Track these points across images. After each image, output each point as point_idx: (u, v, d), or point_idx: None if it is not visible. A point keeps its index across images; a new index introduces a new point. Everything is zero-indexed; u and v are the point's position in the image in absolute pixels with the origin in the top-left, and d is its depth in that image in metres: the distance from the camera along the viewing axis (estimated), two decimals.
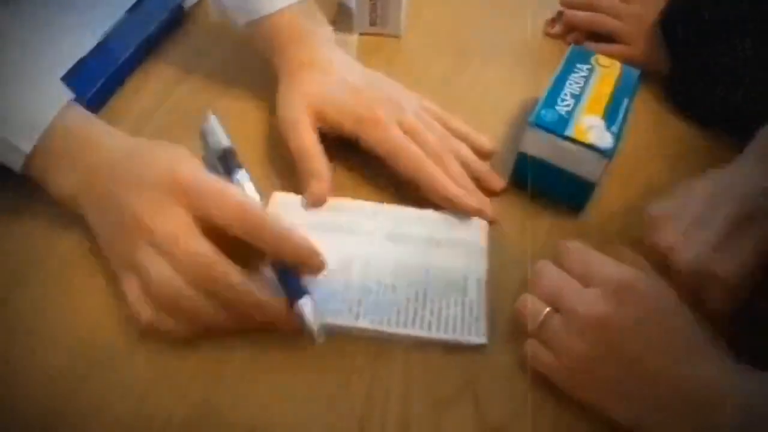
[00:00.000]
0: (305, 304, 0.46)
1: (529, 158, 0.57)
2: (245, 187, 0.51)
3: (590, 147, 0.53)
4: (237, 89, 0.69)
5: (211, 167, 0.52)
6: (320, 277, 0.49)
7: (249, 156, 0.59)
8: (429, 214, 0.57)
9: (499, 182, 0.60)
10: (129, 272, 0.48)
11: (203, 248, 0.46)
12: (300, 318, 0.45)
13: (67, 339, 0.49)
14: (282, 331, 0.48)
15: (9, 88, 0.52)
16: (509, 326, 0.51)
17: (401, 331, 0.49)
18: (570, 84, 0.58)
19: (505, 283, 0.53)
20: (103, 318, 0.50)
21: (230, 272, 0.46)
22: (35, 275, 0.52)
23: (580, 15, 0.77)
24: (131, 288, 0.48)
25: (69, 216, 0.53)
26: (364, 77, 0.62)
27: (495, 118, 0.67)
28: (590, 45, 0.74)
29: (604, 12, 0.75)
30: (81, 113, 0.54)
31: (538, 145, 0.56)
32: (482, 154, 0.62)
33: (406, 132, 0.58)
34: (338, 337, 0.49)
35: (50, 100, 0.53)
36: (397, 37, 0.76)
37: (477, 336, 0.49)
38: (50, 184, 0.52)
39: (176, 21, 0.77)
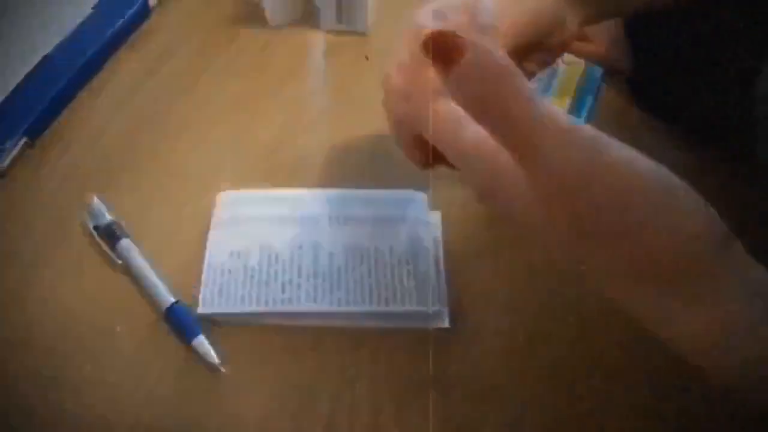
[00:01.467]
0: (201, 342, 0.48)
1: None
2: (132, 255, 0.53)
3: None
4: (201, 88, 0.69)
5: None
6: (270, 267, 0.51)
7: (205, 155, 0.61)
8: (371, 193, 0.58)
9: None
10: None
11: None
12: (201, 355, 0.48)
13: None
14: None
15: None
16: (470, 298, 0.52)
17: (358, 309, 0.50)
18: (534, 81, 0.59)
19: (468, 267, 0.54)
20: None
21: None
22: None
23: None
24: None
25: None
26: None
27: None
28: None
29: None
30: None
31: None
32: None
33: None
34: (309, 325, 0.50)
35: None
36: (363, 35, 0.76)
37: (433, 305, 0.51)
38: None
39: (141, 17, 0.77)
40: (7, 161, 0.61)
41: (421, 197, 0.57)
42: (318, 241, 0.54)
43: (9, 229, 0.57)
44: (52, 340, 0.49)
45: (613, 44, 0.72)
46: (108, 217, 0.56)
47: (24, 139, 0.62)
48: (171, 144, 0.64)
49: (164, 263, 0.53)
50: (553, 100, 0.57)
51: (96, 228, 0.55)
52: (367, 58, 0.68)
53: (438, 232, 0.55)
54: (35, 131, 0.63)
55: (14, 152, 0.61)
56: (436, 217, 0.56)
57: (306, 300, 0.51)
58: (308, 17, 0.77)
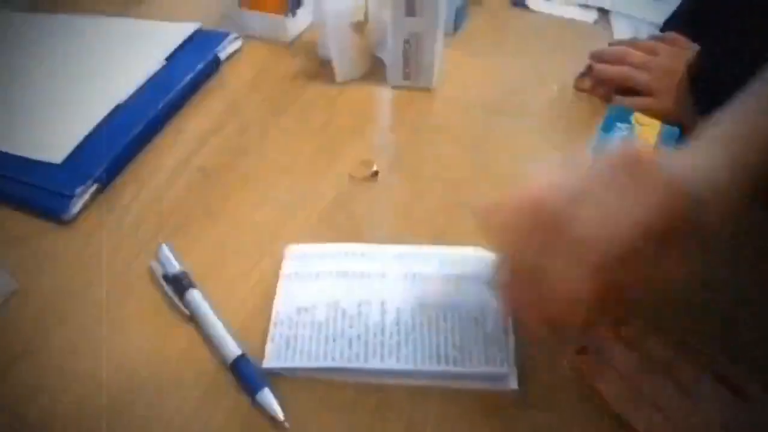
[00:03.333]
0: (266, 396, 0.47)
1: None
2: (200, 306, 0.53)
3: None
4: (269, 141, 0.70)
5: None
6: (337, 322, 0.51)
7: (272, 208, 0.61)
8: (439, 250, 0.57)
9: None
10: None
11: None
12: (265, 408, 0.47)
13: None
14: None
15: None
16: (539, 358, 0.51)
17: (424, 368, 0.49)
18: (611, 144, 0.58)
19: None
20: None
21: None
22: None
23: (609, 69, 0.77)
24: None
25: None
26: None
27: (528, 175, 0.66)
28: (619, 99, 0.74)
29: (632, 65, 0.75)
30: None
31: None
32: None
33: None
34: (375, 382, 0.49)
35: None
36: (429, 90, 0.77)
37: (501, 366, 0.49)
38: None
39: (212, 70, 0.78)
40: (77, 207, 0.62)
41: (490, 254, 0.56)
42: (385, 298, 0.53)
43: (78, 274, 0.57)
44: (117, 387, 0.49)
45: (678, 99, 0.71)
46: (177, 267, 0.56)
47: (95, 186, 0.63)
48: (239, 196, 0.64)
49: (231, 314, 0.53)
50: None
51: (165, 276, 0.55)
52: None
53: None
54: (106, 179, 0.64)
55: (85, 198, 0.63)
56: None
57: (372, 357, 0.50)
58: (375, 73, 0.78)
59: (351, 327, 0.51)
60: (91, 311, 0.55)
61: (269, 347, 0.51)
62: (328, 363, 0.49)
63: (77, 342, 0.52)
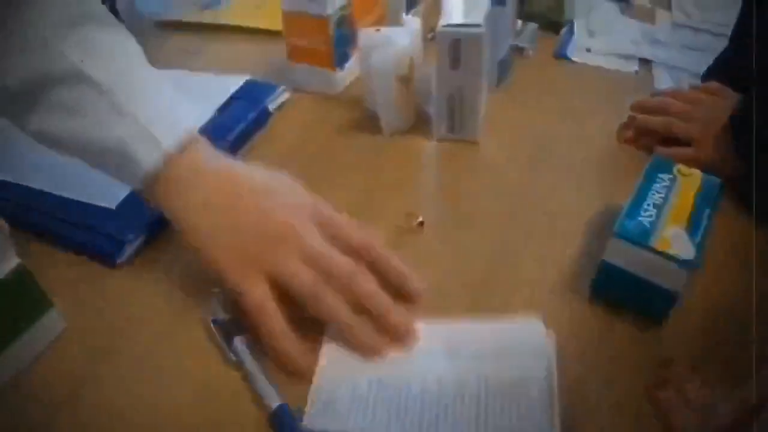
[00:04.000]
0: None
1: (611, 268, 0.57)
2: (246, 353, 0.55)
3: (674, 258, 0.53)
4: (316, 192, 0.70)
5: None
6: (378, 393, 0.52)
7: None
8: (482, 326, 0.56)
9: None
10: (255, 272, 0.54)
11: (347, 259, 0.55)
12: None
13: None
14: None
15: (158, 96, 0.59)
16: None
17: None
18: (653, 194, 0.59)
19: (583, 392, 0.52)
20: None
21: (373, 283, 0.55)
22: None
23: (651, 120, 0.77)
24: (256, 285, 0.54)
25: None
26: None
27: (572, 226, 0.67)
28: (660, 149, 0.74)
29: (674, 116, 0.76)
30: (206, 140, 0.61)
31: (621, 255, 0.56)
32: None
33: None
34: None
35: (191, 117, 0.61)
36: (474, 142, 0.78)
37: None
38: (175, 194, 0.58)
39: (262, 121, 0.80)
40: (129, 252, 0.64)
41: (538, 325, 0.56)
42: (427, 373, 0.53)
43: (127, 317, 0.59)
44: (161, 429, 0.50)
45: (720, 149, 0.71)
46: (225, 314, 0.57)
47: (146, 232, 0.65)
48: None
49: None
50: (672, 213, 0.57)
51: (214, 322, 0.56)
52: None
53: (553, 360, 0.53)
54: (158, 225, 0.66)
55: (137, 243, 0.64)
56: (551, 345, 0.54)
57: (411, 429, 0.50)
58: (421, 125, 0.80)
59: (391, 400, 0.51)
60: (139, 353, 0.56)
61: (309, 408, 0.51)
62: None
63: (124, 382, 0.54)
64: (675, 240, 0.54)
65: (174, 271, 0.63)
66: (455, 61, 0.71)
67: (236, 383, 0.53)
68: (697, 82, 0.86)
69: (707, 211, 0.57)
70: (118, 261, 0.63)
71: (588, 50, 0.96)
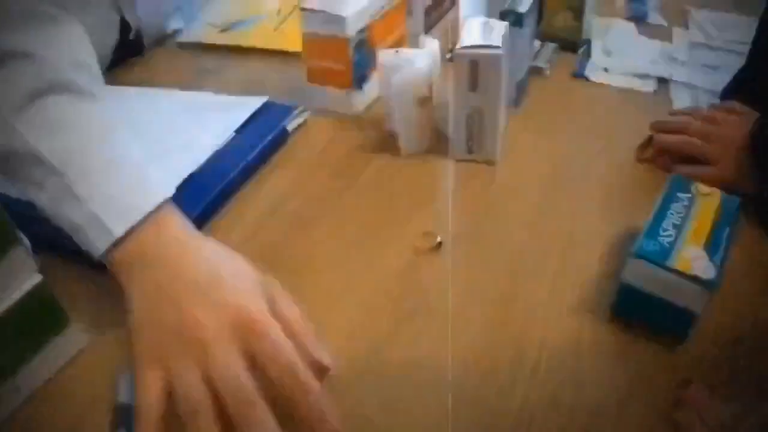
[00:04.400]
0: None
1: (630, 288, 0.57)
2: None
3: (694, 279, 0.53)
4: (335, 212, 0.72)
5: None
6: None
7: (338, 281, 0.62)
8: None
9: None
10: (157, 370, 0.49)
11: (250, 386, 0.48)
12: None
13: None
14: None
15: (114, 175, 0.57)
16: None
17: None
18: (672, 214, 0.59)
19: (601, 412, 0.52)
20: None
21: (267, 420, 0.47)
22: None
23: (670, 139, 0.77)
24: (151, 384, 0.49)
25: None
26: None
27: (591, 246, 0.67)
28: (679, 168, 0.74)
29: (693, 135, 0.76)
30: (176, 212, 0.58)
31: (640, 275, 0.56)
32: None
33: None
34: None
35: (151, 194, 0.57)
36: (492, 163, 0.78)
37: None
38: (125, 277, 0.55)
39: (281, 141, 0.81)
40: None
41: None
42: None
43: None
44: None
45: (739, 167, 0.71)
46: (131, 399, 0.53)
47: None
48: (305, 266, 0.66)
49: None
50: (691, 233, 0.57)
51: (118, 409, 0.53)
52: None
53: None
54: None
55: None
56: None
57: None
58: (439, 146, 0.80)
59: None
60: None
61: None
62: None
63: None
64: (695, 260, 0.54)
65: None
66: (474, 82, 0.72)
67: None
68: (716, 100, 0.86)
69: (727, 230, 0.57)
70: None
71: (605, 70, 0.97)
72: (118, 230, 0.54)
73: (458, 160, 0.78)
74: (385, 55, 0.78)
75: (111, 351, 0.58)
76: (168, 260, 0.55)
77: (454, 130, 0.77)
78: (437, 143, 0.81)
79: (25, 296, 0.52)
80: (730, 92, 0.84)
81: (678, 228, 0.57)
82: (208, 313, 0.50)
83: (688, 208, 0.60)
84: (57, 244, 0.65)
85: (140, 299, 0.54)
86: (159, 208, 0.56)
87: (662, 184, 0.63)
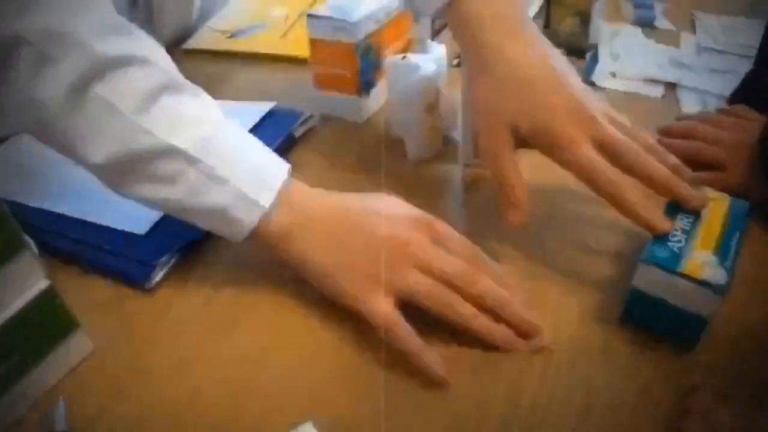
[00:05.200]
0: None
1: (640, 294, 0.56)
2: None
3: (704, 284, 0.53)
4: None
5: None
6: None
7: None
8: None
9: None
10: (384, 297, 0.56)
11: (467, 266, 0.57)
12: None
13: None
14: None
15: (247, 155, 0.61)
16: None
17: None
18: (681, 219, 0.58)
19: (612, 418, 0.52)
20: None
21: (491, 284, 0.57)
22: None
23: (678, 144, 0.76)
24: (382, 304, 0.56)
25: None
26: (556, 82, 0.61)
27: (599, 252, 0.67)
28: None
29: (701, 140, 0.75)
30: (293, 179, 0.62)
31: (650, 281, 0.55)
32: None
33: (600, 143, 0.59)
34: None
35: (279, 166, 0.62)
36: None
37: None
38: (285, 240, 0.60)
39: (288, 147, 0.81)
40: (158, 276, 0.65)
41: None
42: None
43: (154, 339, 0.60)
44: None
45: (748, 172, 0.70)
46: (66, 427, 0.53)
47: (175, 256, 0.66)
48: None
49: None
50: (700, 237, 0.56)
51: None
52: None
53: None
54: (186, 249, 0.67)
55: (166, 268, 0.65)
56: None
57: None
58: (447, 152, 0.80)
59: None
60: (165, 375, 0.56)
61: None
62: None
63: (149, 405, 0.54)
64: (705, 265, 0.54)
65: (200, 294, 0.64)
66: None
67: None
68: (724, 105, 0.85)
69: (737, 235, 0.57)
70: (148, 285, 0.64)
71: (613, 75, 0.96)
72: (265, 202, 0.58)
73: (465, 166, 0.78)
74: (391, 61, 0.78)
75: (116, 356, 0.58)
76: (321, 208, 0.61)
77: (461, 136, 0.77)
78: (444, 149, 0.81)
79: (32, 301, 0.52)
80: (738, 96, 0.84)
81: (687, 233, 0.57)
82: (392, 224, 0.58)
83: (697, 213, 0.59)
84: (77, 257, 0.67)
85: (315, 249, 0.59)
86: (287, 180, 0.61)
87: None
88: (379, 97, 0.88)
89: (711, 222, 0.58)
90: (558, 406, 0.53)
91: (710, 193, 0.61)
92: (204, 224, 0.61)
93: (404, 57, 0.77)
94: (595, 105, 0.61)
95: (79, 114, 0.57)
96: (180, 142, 0.57)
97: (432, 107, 0.76)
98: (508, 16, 0.62)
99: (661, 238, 0.57)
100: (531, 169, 0.77)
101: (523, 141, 0.61)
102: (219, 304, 0.63)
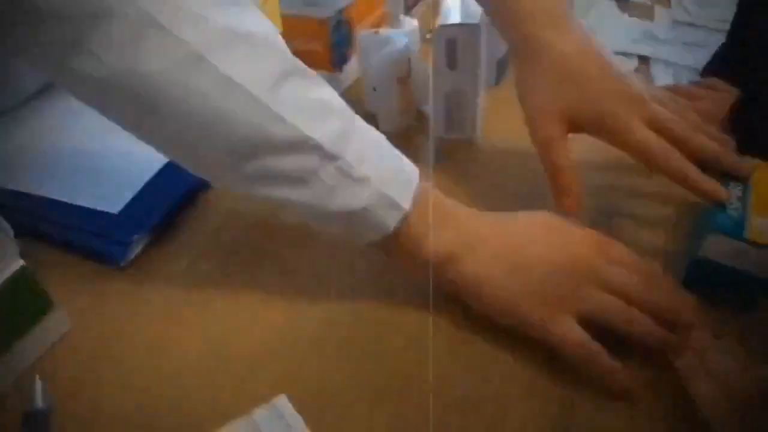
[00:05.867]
0: None
1: (707, 262, 0.57)
2: None
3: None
4: None
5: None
6: None
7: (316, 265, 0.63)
8: None
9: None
10: (569, 317, 0.53)
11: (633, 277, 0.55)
12: None
13: None
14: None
15: (382, 154, 0.56)
16: None
17: None
18: (732, 188, 0.59)
19: None
20: None
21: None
22: None
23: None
24: (575, 333, 0.53)
25: None
26: (603, 68, 0.62)
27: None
28: None
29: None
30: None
31: (717, 250, 0.56)
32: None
33: (650, 122, 0.60)
34: None
35: (410, 165, 0.58)
36: (472, 141, 0.78)
37: None
38: (424, 242, 0.55)
39: None
40: (133, 254, 0.65)
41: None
42: None
43: (130, 317, 0.60)
44: (167, 426, 0.51)
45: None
46: (45, 402, 0.53)
47: (150, 234, 0.66)
48: (285, 244, 0.66)
49: None
50: (754, 204, 0.57)
51: (27, 417, 0.53)
52: None
53: None
54: (160, 227, 0.67)
55: (140, 246, 0.66)
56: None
57: None
58: (419, 126, 0.80)
59: None
60: (141, 352, 0.57)
61: None
62: None
63: (126, 381, 0.55)
64: (763, 230, 0.55)
65: (175, 271, 0.64)
66: (452, 61, 0.72)
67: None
68: (697, 78, 0.86)
69: None
70: (122, 263, 0.64)
71: None
72: (406, 204, 0.54)
73: (438, 139, 0.78)
74: (364, 36, 0.78)
75: (93, 334, 0.58)
76: (458, 216, 0.58)
77: (433, 109, 0.77)
78: (416, 122, 0.81)
79: (8, 282, 0.52)
80: (710, 70, 0.84)
81: (741, 200, 0.58)
82: (576, 242, 0.56)
83: (746, 181, 0.60)
84: (52, 237, 0.67)
85: (493, 271, 0.55)
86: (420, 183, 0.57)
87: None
88: (351, 71, 0.88)
89: (760, 187, 0.59)
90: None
91: (755, 161, 0.62)
92: (331, 224, 0.55)
93: (377, 31, 0.78)
94: (642, 86, 0.62)
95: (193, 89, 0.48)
96: (316, 134, 0.50)
97: (404, 81, 0.77)
98: (554, 8, 0.63)
99: (720, 207, 0.58)
100: (503, 136, 0.79)
101: (575, 127, 0.62)
102: (193, 281, 0.63)
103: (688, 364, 0.51)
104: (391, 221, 0.54)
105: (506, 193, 0.67)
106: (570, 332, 0.52)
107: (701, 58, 0.88)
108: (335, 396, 0.53)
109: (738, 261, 0.56)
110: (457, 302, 0.57)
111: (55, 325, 0.57)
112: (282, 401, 0.51)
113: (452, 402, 0.52)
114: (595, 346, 0.52)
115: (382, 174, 0.53)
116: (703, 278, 0.58)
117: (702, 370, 0.49)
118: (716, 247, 0.56)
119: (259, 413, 0.50)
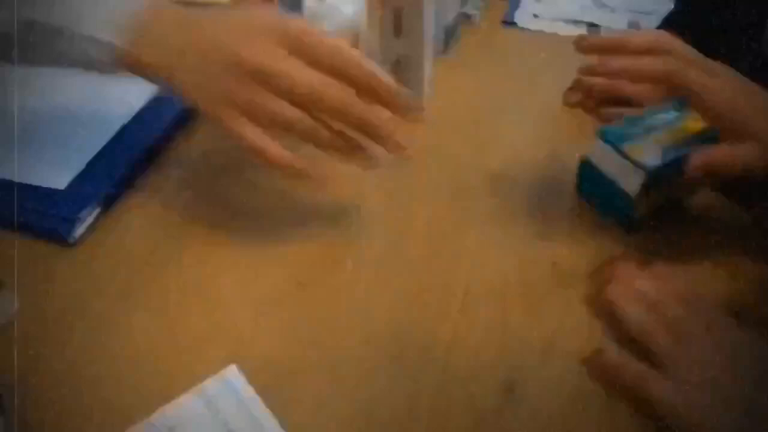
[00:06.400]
0: None
1: (589, 166, 0.62)
2: None
3: (635, 162, 0.57)
4: (247, 184, 0.70)
5: None
6: None
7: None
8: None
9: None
10: (236, 111, 0.54)
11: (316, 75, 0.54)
12: None
13: None
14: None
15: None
16: None
17: None
18: (653, 115, 0.62)
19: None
20: None
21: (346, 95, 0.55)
22: None
23: (597, 80, 0.78)
24: (243, 125, 0.55)
25: None
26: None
27: (519, 181, 0.69)
28: (610, 111, 0.75)
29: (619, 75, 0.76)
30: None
31: (598, 154, 0.61)
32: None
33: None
34: None
35: None
36: (420, 108, 0.78)
37: None
38: (145, 64, 0.58)
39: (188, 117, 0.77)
40: (81, 230, 0.64)
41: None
42: None
43: (80, 294, 0.59)
44: (119, 405, 0.51)
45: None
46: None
47: (97, 210, 0.65)
48: (238, 216, 0.66)
49: None
50: (664, 133, 0.60)
51: None
52: None
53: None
54: (108, 202, 0.66)
55: (88, 222, 0.64)
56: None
57: None
58: None
59: None
60: (91, 328, 0.56)
61: None
62: None
63: (78, 358, 0.54)
64: (648, 149, 0.58)
65: (124, 246, 0.63)
66: (398, 28, 0.72)
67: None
68: None
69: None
70: (70, 239, 0.63)
71: (535, 16, 0.97)
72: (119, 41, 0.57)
73: None
74: (311, 4, 0.77)
75: (43, 313, 0.58)
76: (177, 16, 0.59)
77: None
78: None
79: None
80: None
81: (651, 129, 0.60)
82: (242, 33, 0.55)
83: (678, 116, 0.62)
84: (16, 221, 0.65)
85: (174, 56, 0.57)
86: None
87: (589, 127, 0.65)
88: None
89: (686, 124, 0.61)
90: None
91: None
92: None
93: (323, 0, 0.77)
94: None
95: None
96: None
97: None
98: None
99: (628, 122, 0.62)
100: (451, 104, 0.79)
101: None
102: (143, 254, 0.62)
103: (615, 291, 0.53)
104: (107, 56, 0.58)
105: (452, 162, 0.68)
106: (242, 133, 0.55)
107: (651, 25, 0.89)
108: (285, 364, 0.53)
109: (610, 170, 0.60)
110: None
111: (3, 305, 0.57)
112: (232, 371, 0.51)
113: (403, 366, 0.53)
114: (265, 138, 0.55)
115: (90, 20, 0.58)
116: (588, 182, 0.63)
117: (630, 299, 0.51)
118: (598, 152, 0.61)
119: (210, 385, 0.50)
